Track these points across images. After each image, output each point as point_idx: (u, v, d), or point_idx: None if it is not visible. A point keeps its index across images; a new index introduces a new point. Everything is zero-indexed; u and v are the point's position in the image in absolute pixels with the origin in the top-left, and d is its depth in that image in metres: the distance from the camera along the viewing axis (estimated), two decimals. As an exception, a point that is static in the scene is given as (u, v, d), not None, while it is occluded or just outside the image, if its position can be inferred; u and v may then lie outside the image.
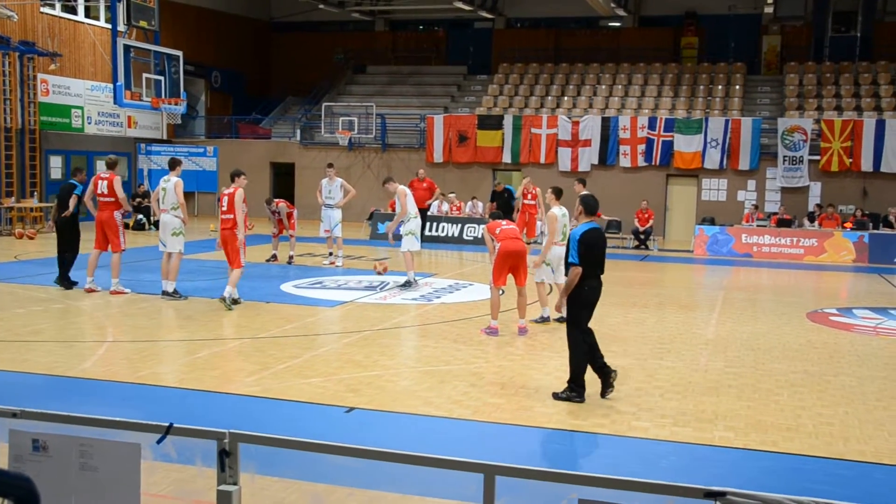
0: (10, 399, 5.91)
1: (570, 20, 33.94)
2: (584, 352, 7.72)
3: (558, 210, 10.96)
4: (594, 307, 7.86)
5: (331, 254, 17.19)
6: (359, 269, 16.86)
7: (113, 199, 12.94)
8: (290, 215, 17.22)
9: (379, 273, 15.31)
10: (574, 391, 7.70)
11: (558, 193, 11.20)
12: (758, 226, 22.53)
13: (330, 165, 17.75)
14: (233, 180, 12.34)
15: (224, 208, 12.13)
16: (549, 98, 30.25)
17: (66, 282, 13.27)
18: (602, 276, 7.89)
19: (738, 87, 29.19)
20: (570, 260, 7.67)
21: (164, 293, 12.65)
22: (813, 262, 20.72)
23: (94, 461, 3.21)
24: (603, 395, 7.76)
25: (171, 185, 12.72)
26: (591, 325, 7.92)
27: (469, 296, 13.81)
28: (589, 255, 7.61)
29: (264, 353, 9.39)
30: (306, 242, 20.45)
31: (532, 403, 7.59)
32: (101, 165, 26.61)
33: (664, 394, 8.01)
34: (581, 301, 7.75)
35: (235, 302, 12.10)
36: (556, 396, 7.73)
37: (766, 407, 7.66)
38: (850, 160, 24.81)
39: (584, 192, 8.47)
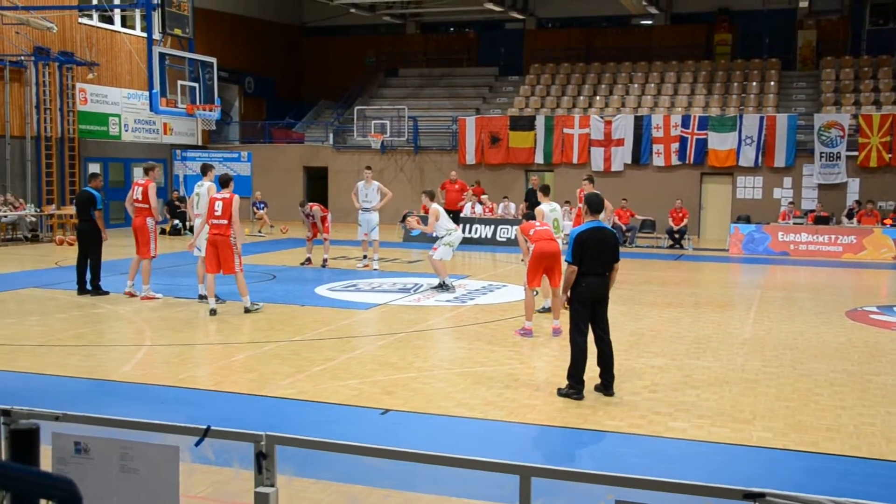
0: (52, 402, 6.02)
1: (601, 19, 33.77)
2: (577, 350, 7.77)
3: (546, 206, 11.51)
4: (594, 304, 7.83)
5: (365, 256, 17.23)
6: (393, 271, 16.90)
7: (146, 206, 13.03)
8: (324, 219, 17.30)
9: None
10: (573, 388, 7.74)
11: (545, 190, 12.03)
12: (794, 223, 22.21)
13: (368, 168, 17.70)
14: (226, 185, 12.08)
15: (218, 213, 11.76)
16: (581, 98, 30.12)
17: (99, 290, 13.37)
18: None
19: (772, 83, 28.83)
20: (566, 258, 7.98)
21: (201, 297, 12.78)
22: (852, 259, 20.40)
23: (134, 463, 3.26)
24: (560, 391, 7.79)
25: (205, 190, 12.81)
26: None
27: (503, 297, 13.78)
28: (584, 253, 7.74)
29: (299, 355, 9.45)
30: (340, 245, 20.57)
31: (567, 404, 7.56)
32: (138, 172, 27.04)
33: (701, 394, 7.94)
34: (577, 297, 7.82)
35: (248, 310, 11.89)
36: (559, 392, 7.80)
37: (806, 407, 7.56)
38: (890, 155, 24.37)
39: (591, 192, 8.55)
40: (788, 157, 25.27)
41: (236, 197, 11.91)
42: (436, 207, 13.96)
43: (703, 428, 6.91)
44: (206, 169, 13.19)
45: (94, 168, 26.72)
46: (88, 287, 13.37)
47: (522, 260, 12.04)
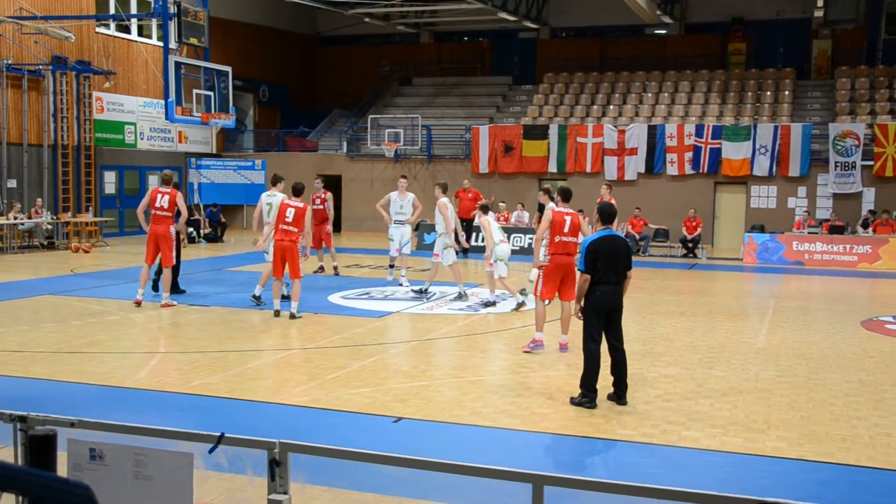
0: (67, 409, 6.06)
1: (615, 28, 33.77)
2: (590, 359, 7.76)
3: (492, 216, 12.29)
4: (608, 313, 7.83)
5: (403, 272, 15.91)
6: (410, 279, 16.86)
7: (170, 214, 13.07)
8: (325, 220, 17.11)
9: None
10: (585, 396, 7.74)
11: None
12: (809, 233, 22.10)
13: (403, 177, 16.68)
14: (299, 194, 12.54)
15: (289, 219, 12.21)
16: (595, 107, 30.11)
17: (177, 289, 14.10)
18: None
19: (787, 92, 28.74)
20: (578, 267, 8.01)
21: (255, 297, 13.13)
22: (867, 269, 20.27)
23: (148, 470, 3.28)
24: (573, 400, 7.78)
25: (277, 201, 13.19)
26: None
27: (515, 305, 13.75)
28: (597, 261, 7.73)
29: (313, 363, 9.48)
30: (352, 254, 20.60)
31: (580, 413, 7.55)
32: (153, 180, 27.19)
33: (714, 403, 7.91)
34: (591, 306, 7.82)
35: (294, 317, 12.17)
36: (572, 401, 7.78)
37: (821, 417, 7.51)
38: (905, 165, 24.22)
39: (604, 201, 8.47)
40: (803, 166, 25.15)
41: (309, 207, 12.46)
42: (444, 200, 14.10)
43: (716, 437, 6.89)
44: (276, 180, 13.79)
45: (109, 177, 26.97)
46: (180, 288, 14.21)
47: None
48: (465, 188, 23.10)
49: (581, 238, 10.63)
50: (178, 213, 13.36)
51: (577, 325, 10.94)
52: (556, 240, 9.97)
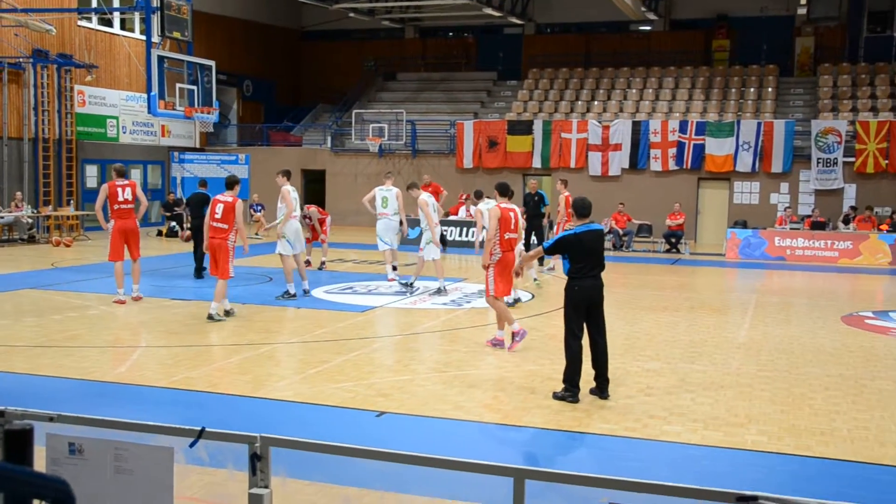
0: (47, 403, 6.02)
1: (600, 24, 33.83)
2: (572, 355, 7.77)
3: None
4: (589, 308, 7.80)
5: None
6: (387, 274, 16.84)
7: (133, 206, 12.61)
8: (322, 221, 17.28)
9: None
10: (568, 391, 7.76)
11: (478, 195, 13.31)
12: (791, 228, 22.25)
13: (390, 175, 16.46)
14: (231, 188, 11.67)
15: (218, 216, 11.39)
16: (580, 102, 30.16)
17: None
18: (603, 276, 7.94)
19: (770, 89, 28.89)
20: (544, 245, 8.20)
21: (289, 294, 13.13)
22: (848, 264, 20.43)
23: (128, 464, 3.26)
24: (556, 395, 7.80)
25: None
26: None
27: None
28: (579, 252, 7.74)
29: (295, 357, 9.45)
30: (339, 248, 20.56)
31: (562, 407, 7.57)
32: (136, 174, 27.01)
33: (696, 398, 7.95)
34: (570, 302, 7.81)
35: (228, 313, 11.65)
36: (554, 395, 7.80)
37: (800, 411, 7.57)
38: (886, 161, 24.42)
39: (575, 196, 8.34)
40: (786, 162, 25.31)
41: (239, 201, 11.59)
42: (423, 198, 13.97)
43: (697, 432, 6.92)
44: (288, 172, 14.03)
45: (91, 170, 26.81)
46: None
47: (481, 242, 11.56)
48: (425, 182, 23.02)
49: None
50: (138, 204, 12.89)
51: (557, 321, 10.99)
52: (506, 237, 9.78)
